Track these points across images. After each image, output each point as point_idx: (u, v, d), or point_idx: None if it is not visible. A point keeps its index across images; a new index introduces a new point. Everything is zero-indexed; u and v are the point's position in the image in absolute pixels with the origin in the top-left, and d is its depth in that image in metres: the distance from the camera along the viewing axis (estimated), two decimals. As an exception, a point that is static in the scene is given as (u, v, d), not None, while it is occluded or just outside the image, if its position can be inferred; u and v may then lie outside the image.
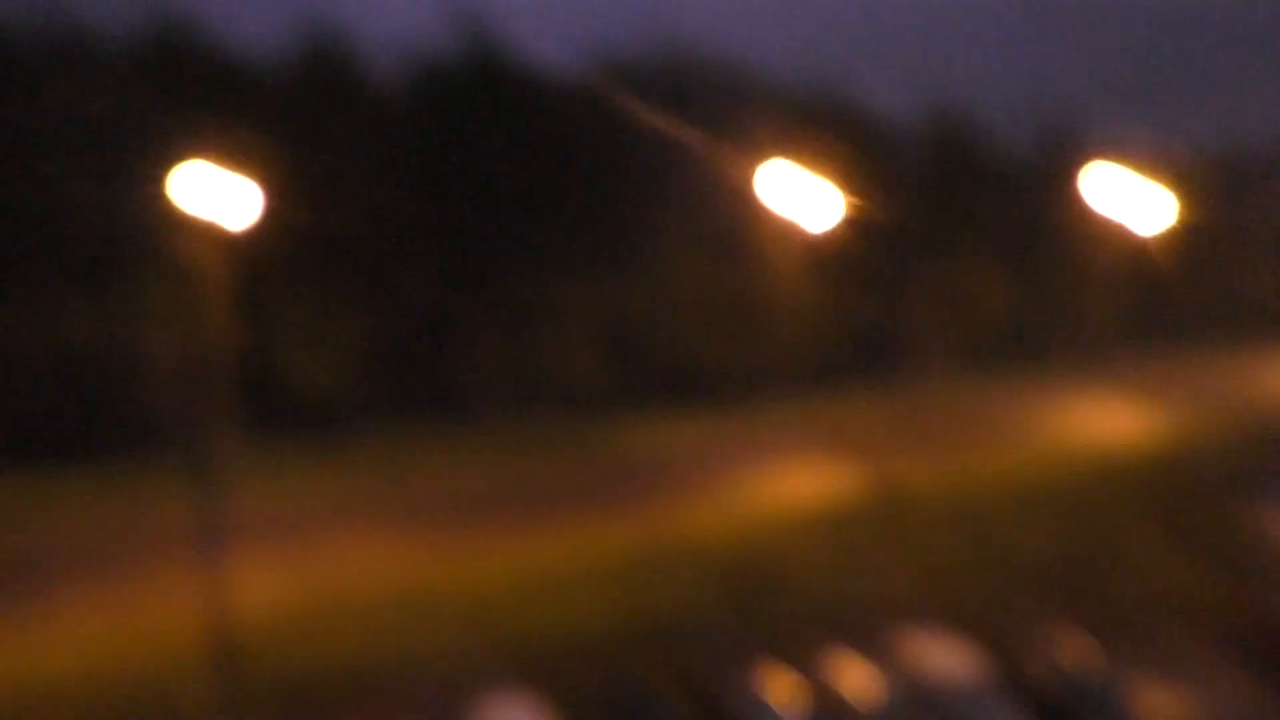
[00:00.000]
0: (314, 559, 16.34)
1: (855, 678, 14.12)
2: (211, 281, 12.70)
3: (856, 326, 35.71)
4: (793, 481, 22.53)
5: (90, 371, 28.26)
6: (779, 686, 13.91)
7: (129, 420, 27.27)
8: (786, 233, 20.24)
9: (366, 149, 30.69)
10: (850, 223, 16.64)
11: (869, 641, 14.54)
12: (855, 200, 16.43)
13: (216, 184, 12.36)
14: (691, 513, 19.02)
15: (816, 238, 17.98)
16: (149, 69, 29.33)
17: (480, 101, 33.09)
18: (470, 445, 28.44)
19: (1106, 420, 29.31)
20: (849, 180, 16.18)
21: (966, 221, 38.04)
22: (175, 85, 27.81)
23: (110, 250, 27.06)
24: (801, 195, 16.00)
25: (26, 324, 27.26)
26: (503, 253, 32.52)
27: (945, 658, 14.38)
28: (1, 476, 24.68)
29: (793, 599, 15.20)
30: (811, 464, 25.14)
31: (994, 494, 18.94)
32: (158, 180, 13.66)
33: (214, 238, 12.59)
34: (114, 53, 29.88)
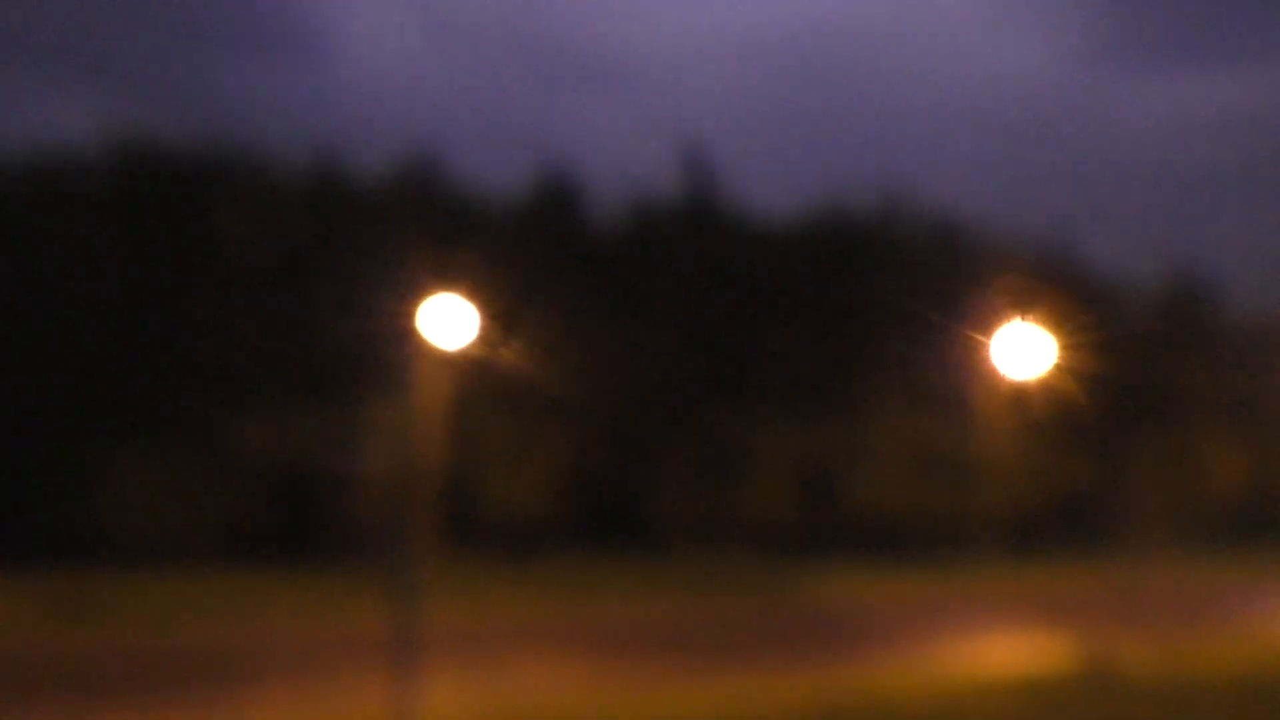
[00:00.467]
0: (499, 679, 16.40)
1: None
2: (425, 402, 13.12)
3: (1071, 492, 34.22)
4: (992, 647, 21.49)
5: (308, 481, 29.64)
6: None
7: (339, 529, 28.36)
8: (1002, 390, 19.68)
9: (582, 282, 31.70)
10: (1070, 383, 16.06)
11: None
12: (1077, 360, 15.88)
13: (440, 309, 12.82)
14: (883, 670, 18.28)
15: (1034, 397, 17.40)
16: (392, 203, 31.34)
17: (696, 242, 33.83)
18: (661, 579, 28.32)
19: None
20: (1072, 339, 15.66)
21: (1197, 387, 36.30)
22: (414, 218, 29.58)
23: (337, 368, 28.56)
24: (1021, 352, 15.53)
25: (256, 434, 28.93)
26: (708, 390, 32.73)
27: None
28: (217, 574, 25.94)
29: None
30: (1014, 631, 23.96)
31: (1214, 681, 17.53)
32: (388, 304, 14.33)
33: (432, 360, 13.04)
34: (364, 187, 32.20)
